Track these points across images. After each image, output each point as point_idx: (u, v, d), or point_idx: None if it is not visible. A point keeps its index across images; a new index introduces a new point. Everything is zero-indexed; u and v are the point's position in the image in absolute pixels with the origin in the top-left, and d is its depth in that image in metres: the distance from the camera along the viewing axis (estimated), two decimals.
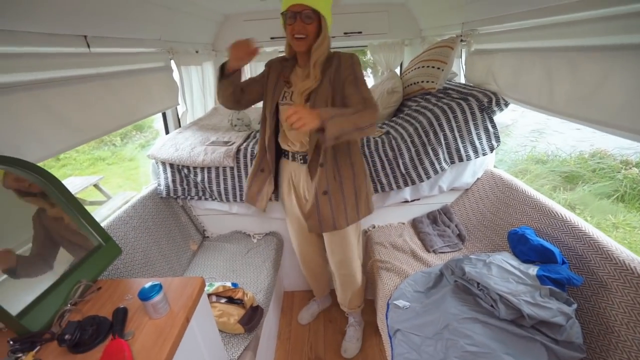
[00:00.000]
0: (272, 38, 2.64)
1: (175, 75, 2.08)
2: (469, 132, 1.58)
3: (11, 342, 0.74)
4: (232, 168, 1.67)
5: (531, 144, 4.80)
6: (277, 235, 1.91)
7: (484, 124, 1.58)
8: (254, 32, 2.66)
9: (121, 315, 0.82)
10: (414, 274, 1.46)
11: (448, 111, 1.58)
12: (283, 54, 1.35)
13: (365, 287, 1.71)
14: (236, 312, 1.27)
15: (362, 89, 1.19)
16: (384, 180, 1.65)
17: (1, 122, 0.95)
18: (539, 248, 1.22)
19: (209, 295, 1.31)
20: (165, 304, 0.84)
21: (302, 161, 1.36)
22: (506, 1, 1.34)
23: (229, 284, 1.36)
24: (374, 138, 1.65)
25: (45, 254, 0.89)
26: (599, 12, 0.92)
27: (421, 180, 1.61)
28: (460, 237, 1.69)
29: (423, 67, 1.88)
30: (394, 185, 1.66)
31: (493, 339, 1.02)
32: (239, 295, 1.32)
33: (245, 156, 1.66)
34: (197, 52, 2.38)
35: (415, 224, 1.85)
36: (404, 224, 1.91)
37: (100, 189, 3.90)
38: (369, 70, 5.93)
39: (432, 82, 1.81)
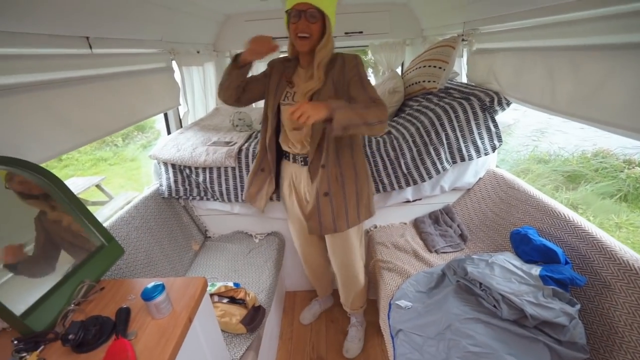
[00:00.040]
0: (273, 38, 2.63)
1: (177, 75, 2.08)
2: (471, 132, 1.57)
3: (15, 342, 0.74)
4: (233, 168, 1.67)
5: (533, 143, 4.78)
6: (278, 235, 1.91)
7: (485, 124, 1.57)
8: (255, 32, 2.63)
9: (124, 315, 0.82)
10: (416, 274, 1.45)
11: (450, 111, 1.57)
12: (285, 54, 1.35)
13: (368, 287, 1.71)
14: (238, 312, 1.27)
15: (369, 89, 1.19)
16: (385, 180, 1.65)
17: (4, 123, 0.95)
18: (542, 248, 1.21)
19: (211, 295, 1.31)
20: (168, 304, 0.84)
21: (302, 163, 1.35)
22: (508, 0, 1.34)
23: (231, 284, 1.36)
24: (375, 138, 1.65)
25: (47, 255, 0.89)
26: (601, 11, 0.92)
27: (423, 180, 1.61)
28: (462, 237, 1.69)
29: (424, 66, 1.87)
30: (395, 185, 1.65)
31: (495, 340, 1.02)
32: (241, 295, 1.32)
33: (246, 156, 1.66)
34: (198, 52, 2.39)
35: (417, 224, 1.85)
36: (405, 224, 1.90)
37: (102, 190, 3.91)
38: (370, 70, 5.93)
39: (434, 81, 1.81)
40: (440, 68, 1.79)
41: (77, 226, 0.97)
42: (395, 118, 1.91)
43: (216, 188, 1.70)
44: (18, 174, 0.89)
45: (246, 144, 1.72)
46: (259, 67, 2.78)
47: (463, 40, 1.81)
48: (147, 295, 0.80)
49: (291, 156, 1.38)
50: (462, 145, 1.59)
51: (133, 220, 1.47)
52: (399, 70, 2.88)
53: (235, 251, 1.77)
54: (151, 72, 1.78)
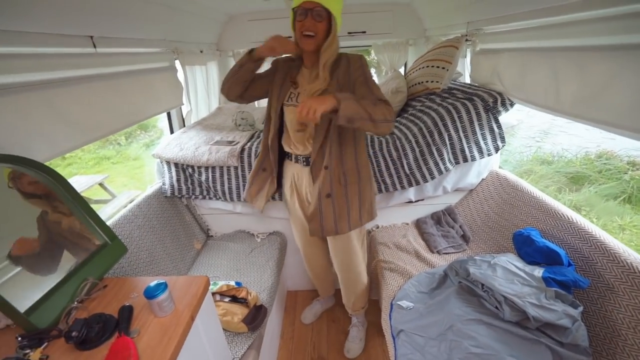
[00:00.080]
0: None
1: (180, 75, 2.09)
2: (474, 133, 1.57)
3: (19, 339, 0.75)
4: (236, 168, 1.68)
5: (537, 144, 4.76)
6: (280, 234, 1.91)
7: (489, 124, 1.57)
8: (258, 32, 2.68)
9: (127, 313, 0.83)
10: (417, 274, 1.45)
11: (453, 111, 1.57)
12: (288, 54, 1.34)
13: (369, 287, 1.71)
14: (240, 311, 1.28)
15: (374, 89, 1.19)
16: (388, 181, 1.65)
17: (9, 122, 0.96)
18: (545, 250, 1.21)
19: (213, 294, 1.32)
20: (170, 303, 0.84)
21: (305, 163, 1.35)
22: (511, 1, 1.33)
23: (232, 283, 1.36)
24: (378, 138, 1.64)
25: (50, 253, 0.90)
26: (606, 12, 0.91)
27: (425, 181, 1.61)
28: (464, 238, 1.69)
29: (427, 66, 1.87)
30: (398, 186, 1.65)
31: (497, 341, 1.02)
32: (242, 295, 1.32)
33: (249, 156, 1.66)
34: (201, 52, 2.39)
35: (419, 224, 1.84)
36: (407, 224, 1.90)
37: (105, 188, 3.93)
38: (373, 70, 5.93)
39: (437, 82, 1.80)
40: (443, 68, 1.78)
41: (77, 226, 0.97)
42: (398, 118, 1.91)
43: (218, 187, 1.71)
44: (22, 173, 0.90)
45: (249, 144, 1.72)
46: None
47: (467, 40, 1.80)
48: (150, 294, 0.81)
49: (293, 157, 1.38)
50: (465, 145, 1.58)
51: (136, 219, 1.48)
52: (401, 71, 2.87)
53: (237, 250, 1.78)
54: (154, 72, 1.79)
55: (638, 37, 0.84)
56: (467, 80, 1.99)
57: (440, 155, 1.57)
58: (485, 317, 1.10)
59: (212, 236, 1.96)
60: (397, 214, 1.89)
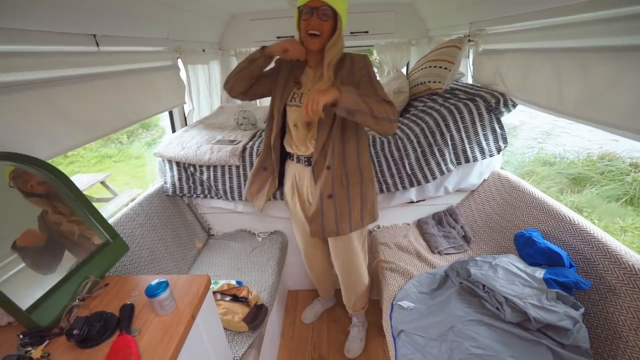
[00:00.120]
0: (278, 37, 2.65)
1: (182, 74, 2.09)
2: (476, 133, 1.56)
3: (21, 336, 0.75)
4: (237, 167, 1.68)
5: (539, 145, 4.75)
6: (281, 234, 1.91)
7: (491, 125, 1.56)
8: (260, 31, 2.68)
9: (128, 311, 0.83)
10: (418, 275, 1.45)
11: (455, 112, 1.57)
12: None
13: (370, 287, 1.71)
14: (241, 310, 1.28)
15: (379, 89, 1.19)
16: (389, 181, 1.64)
17: (12, 120, 0.96)
18: (546, 251, 1.21)
19: (214, 293, 1.32)
20: (171, 301, 0.84)
21: (306, 163, 1.35)
22: (515, 1, 1.33)
23: (233, 282, 1.37)
24: (380, 138, 1.64)
25: (51, 252, 0.90)
26: (610, 13, 0.91)
27: (427, 181, 1.60)
28: (465, 238, 1.68)
29: (430, 67, 1.87)
30: (399, 186, 1.65)
31: (498, 342, 1.02)
32: (243, 294, 1.32)
33: (251, 155, 1.66)
34: (203, 51, 2.40)
35: (420, 224, 1.84)
36: (409, 224, 1.90)
37: (107, 186, 3.94)
38: (375, 70, 5.92)
39: (439, 82, 1.80)
40: (445, 69, 1.78)
41: (76, 230, 0.97)
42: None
43: (220, 186, 1.71)
44: (23, 171, 0.90)
45: (250, 143, 1.72)
46: None
47: (469, 41, 1.80)
48: (151, 292, 0.81)
49: (295, 157, 1.38)
50: (467, 146, 1.58)
51: (137, 218, 1.48)
52: (404, 71, 2.87)
53: (238, 249, 1.78)
54: (157, 70, 1.79)
55: None
56: (470, 80, 1.98)
57: (442, 155, 1.57)
58: (486, 318, 1.09)
59: (213, 235, 1.96)
60: (398, 214, 1.89)
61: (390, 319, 1.28)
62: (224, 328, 1.19)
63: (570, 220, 1.28)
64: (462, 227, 1.73)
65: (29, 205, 0.90)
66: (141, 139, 6.25)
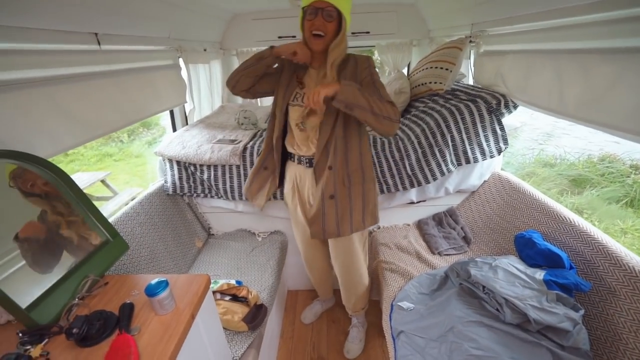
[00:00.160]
0: (279, 37, 2.65)
1: (183, 73, 2.09)
2: (477, 134, 1.56)
3: (20, 335, 0.75)
4: (238, 166, 1.68)
5: (539, 146, 4.75)
6: (281, 234, 1.91)
7: (492, 126, 1.56)
8: (262, 31, 2.68)
9: (128, 310, 0.83)
10: (418, 275, 1.45)
11: (456, 113, 1.56)
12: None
13: (370, 288, 1.71)
14: (240, 310, 1.28)
15: (381, 90, 1.19)
16: (389, 181, 1.64)
17: (13, 118, 0.96)
18: (546, 252, 1.21)
19: (214, 292, 1.32)
20: (171, 301, 0.84)
21: (307, 164, 1.34)
22: (516, 2, 1.33)
23: (233, 282, 1.36)
24: (380, 139, 1.64)
25: (50, 251, 0.90)
26: (611, 14, 0.91)
27: (427, 182, 1.60)
28: (465, 239, 1.68)
29: (431, 68, 1.87)
30: (399, 186, 1.65)
31: (498, 343, 1.01)
32: (243, 293, 1.32)
33: (251, 155, 1.66)
34: (205, 50, 2.40)
35: (420, 225, 1.84)
36: (409, 225, 1.90)
37: (107, 185, 3.94)
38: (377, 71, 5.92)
39: (440, 83, 1.80)
40: (447, 69, 1.78)
41: (75, 232, 0.97)
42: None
43: (220, 186, 1.71)
44: (24, 170, 0.90)
45: (251, 143, 1.72)
46: None
47: (470, 42, 1.80)
48: (151, 291, 0.81)
49: (296, 157, 1.37)
50: (468, 147, 1.58)
51: (137, 216, 1.48)
52: (405, 71, 2.87)
53: (238, 249, 1.78)
54: (158, 69, 1.79)
55: None
56: (471, 81, 1.98)
57: (443, 156, 1.57)
58: (486, 319, 1.09)
59: (213, 234, 1.96)
60: (398, 215, 1.88)
61: (390, 319, 1.28)
62: (224, 328, 1.19)
63: (571, 221, 1.28)
64: (462, 228, 1.73)
65: (28, 205, 0.89)
66: (142, 138, 6.25)
